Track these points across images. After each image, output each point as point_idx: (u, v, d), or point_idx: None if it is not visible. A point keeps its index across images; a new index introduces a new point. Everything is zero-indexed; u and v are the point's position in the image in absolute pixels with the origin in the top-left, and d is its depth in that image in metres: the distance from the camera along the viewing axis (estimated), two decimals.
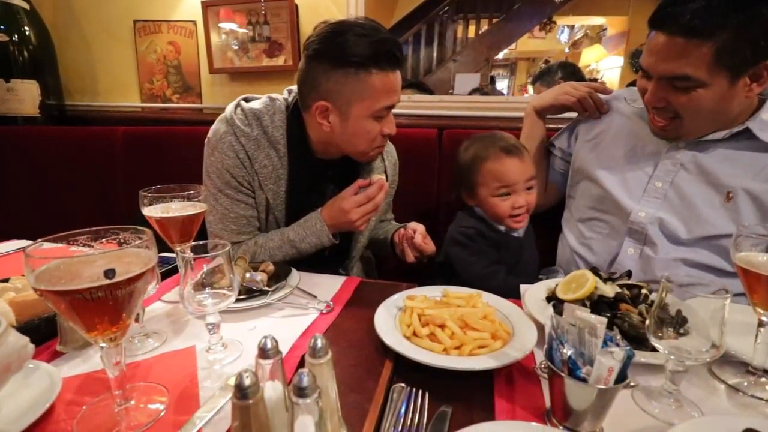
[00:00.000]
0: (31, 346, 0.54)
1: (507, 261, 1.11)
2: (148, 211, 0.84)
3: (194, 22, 1.95)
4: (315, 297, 0.89)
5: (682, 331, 0.58)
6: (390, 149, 1.28)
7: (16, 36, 1.87)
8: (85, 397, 0.58)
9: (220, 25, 1.91)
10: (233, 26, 1.90)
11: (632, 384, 0.50)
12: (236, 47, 1.92)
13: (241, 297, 0.85)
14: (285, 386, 0.48)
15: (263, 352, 0.46)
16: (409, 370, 0.64)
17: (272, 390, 0.47)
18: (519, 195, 1.09)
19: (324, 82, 0.97)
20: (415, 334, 0.70)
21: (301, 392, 0.39)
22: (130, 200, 0.83)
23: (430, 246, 1.11)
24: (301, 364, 0.66)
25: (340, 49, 0.93)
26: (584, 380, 0.47)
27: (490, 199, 1.09)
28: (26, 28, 1.90)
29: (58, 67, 2.07)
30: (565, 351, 0.48)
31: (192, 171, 1.30)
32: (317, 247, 1.07)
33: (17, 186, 1.92)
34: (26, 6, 1.90)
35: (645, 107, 1.04)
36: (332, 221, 1.04)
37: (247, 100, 1.14)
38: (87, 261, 0.49)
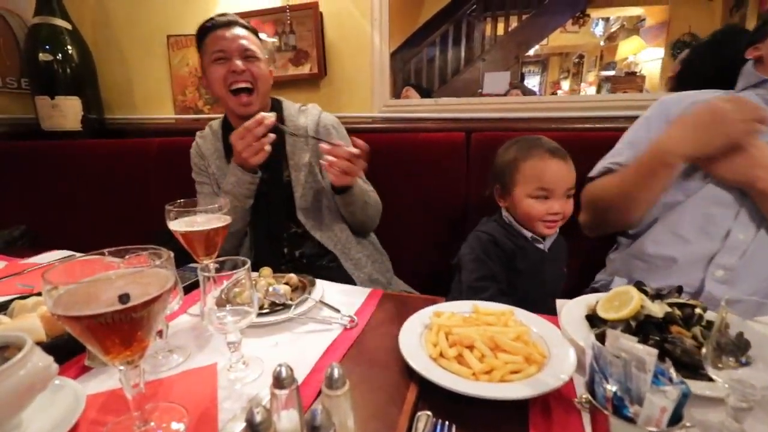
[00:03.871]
0: (55, 366, 0.55)
1: (522, 272, 1.04)
2: (173, 225, 0.84)
3: None
4: (338, 311, 0.86)
5: (744, 359, 0.51)
6: (318, 114, 1.38)
7: (60, 55, 1.98)
8: (108, 416, 0.58)
9: None
10: (262, 35, 1.93)
11: (688, 425, 0.44)
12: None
13: (264, 311, 0.84)
14: (301, 415, 0.46)
15: (278, 382, 0.44)
16: (435, 395, 0.60)
17: (287, 420, 0.45)
18: (556, 200, 1.03)
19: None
20: (441, 355, 0.66)
21: (314, 431, 0.37)
22: (164, 211, 0.85)
23: (350, 167, 1.11)
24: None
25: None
26: (632, 420, 0.42)
27: (526, 200, 1.04)
28: (69, 47, 2.00)
29: (99, 83, 2.17)
30: (609, 387, 0.43)
31: None
32: (241, 186, 1.21)
33: (61, 197, 2.03)
34: (68, 26, 2.00)
35: None
36: (234, 159, 1.20)
37: None
38: (105, 283, 0.48)
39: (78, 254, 1.28)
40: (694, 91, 1.13)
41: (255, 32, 1.31)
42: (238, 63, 1.22)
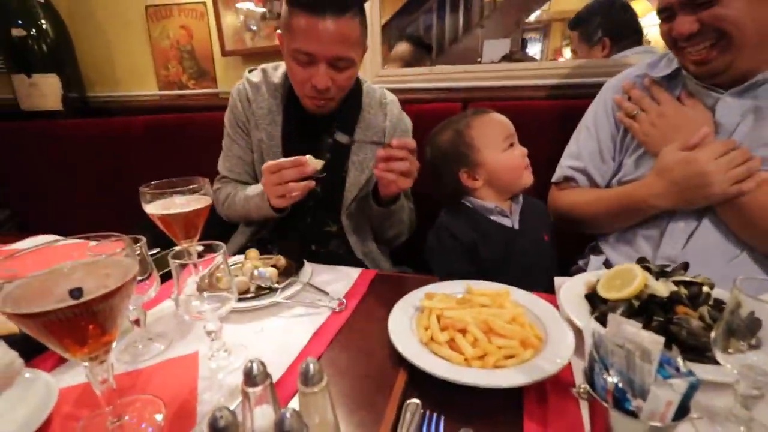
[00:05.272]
0: (20, 362, 0.52)
1: (489, 260, 0.92)
2: (149, 209, 0.79)
3: (204, 3, 1.88)
4: (327, 294, 0.83)
5: (754, 341, 0.48)
6: (398, 115, 1.19)
7: (34, 30, 1.87)
8: (83, 410, 0.55)
9: (237, 5, 1.83)
10: (249, 5, 1.82)
11: (694, 416, 0.40)
12: (253, 27, 1.84)
13: (249, 296, 0.80)
14: (278, 412, 0.43)
15: (249, 379, 0.40)
16: (425, 382, 0.57)
17: (261, 418, 0.42)
18: (517, 144, 0.98)
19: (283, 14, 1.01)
20: (433, 339, 0.63)
21: None
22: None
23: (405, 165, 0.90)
24: None
25: None
26: (634, 414, 0.39)
27: (501, 157, 0.94)
28: (43, 21, 1.89)
29: (77, 60, 2.07)
30: (610, 379, 0.40)
31: (210, 157, 1.27)
32: (261, 213, 1.05)
33: (45, 180, 1.97)
34: None
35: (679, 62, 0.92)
36: (264, 187, 1.00)
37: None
38: (58, 275, 0.44)
39: (62, 239, 1.24)
40: (629, 69, 1.08)
41: (361, 10, 0.97)
42: (324, 79, 0.96)
